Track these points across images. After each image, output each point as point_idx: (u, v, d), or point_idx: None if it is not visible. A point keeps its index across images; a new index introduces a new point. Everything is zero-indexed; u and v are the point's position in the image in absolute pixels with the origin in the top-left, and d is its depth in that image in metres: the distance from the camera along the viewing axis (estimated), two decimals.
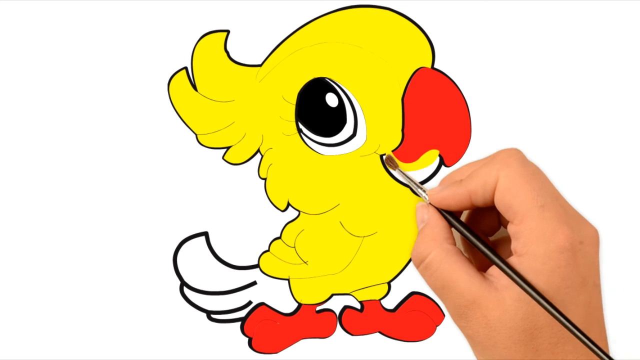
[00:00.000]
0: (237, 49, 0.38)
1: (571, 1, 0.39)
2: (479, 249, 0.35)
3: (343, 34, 0.39)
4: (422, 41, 0.39)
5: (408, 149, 0.39)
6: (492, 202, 0.35)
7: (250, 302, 0.40)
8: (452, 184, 0.36)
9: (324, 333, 0.40)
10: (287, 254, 0.40)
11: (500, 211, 0.34)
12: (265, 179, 0.39)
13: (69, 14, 0.38)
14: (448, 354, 0.40)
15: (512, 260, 0.34)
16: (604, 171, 0.40)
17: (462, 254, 0.35)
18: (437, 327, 0.40)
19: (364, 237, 0.40)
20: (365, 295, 0.40)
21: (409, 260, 0.40)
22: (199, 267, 0.39)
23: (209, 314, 0.40)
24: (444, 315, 0.40)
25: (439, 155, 0.39)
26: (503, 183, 0.34)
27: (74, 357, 0.39)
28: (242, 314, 0.40)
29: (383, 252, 0.40)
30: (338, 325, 0.40)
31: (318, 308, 0.40)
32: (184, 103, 0.39)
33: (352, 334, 0.40)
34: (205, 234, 0.39)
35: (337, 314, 0.40)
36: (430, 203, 0.37)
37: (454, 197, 0.36)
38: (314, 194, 0.39)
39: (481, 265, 0.36)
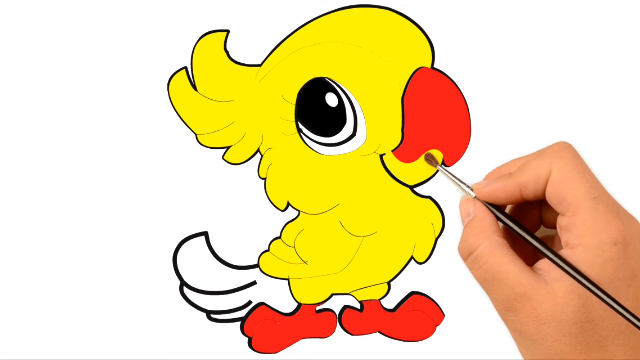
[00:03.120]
0: (237, 49, 0.38)
1: (571, 1, 0.39)
2: (528, 242, 0.35)
3: (343, 34, 0.39)
4: (422, 41, 0.39)
5: (408, 149, 0.39)
6: (544, 195, 0.35)
7: (250, 302, 0.40)
8: (500, 177, 0.36)
9: (324, 333, 0.40)
10: (287, 254, 0.40)
11: (552, 204, 0.34)
12: (265, 179, 0.39)
13: (69, 14, 0.38)
14: (448, 354, 0.40)
15: (564, 253, 0.33)
16: (604, 169, 0.40)
17: (511, 248, 0.35)
18: (437, 327, 0.40)
19: (364, 237, 0.40)
20: (365, 295, 0.40)
21: (409, 260, 0.40)
22: (199, 267, 0.39)
23: (209, 314, 0.40)
24: (444, 315, 0.40)
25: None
26: (556, 175, 0.34)
27: (74, 357, 0.39)
28: (242, 314, 0.40)
29: (383, 252, 0.40)
30: (338, 325, 0.40)
31: (318, 308, 0.40)
32: (184, 103, 0.39)
33: (352, 334, 0.40)
34: (205, 234, 0.39)
35: (337, 314, 0.40)
36: (476, 197, 0.36)
37: (504, 190, 0.35)
38: (314, 194, 0.39)
39: (526, 261, 0.36)
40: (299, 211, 0.39)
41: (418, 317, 0.40)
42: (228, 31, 0.38)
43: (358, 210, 0.39)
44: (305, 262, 0.40)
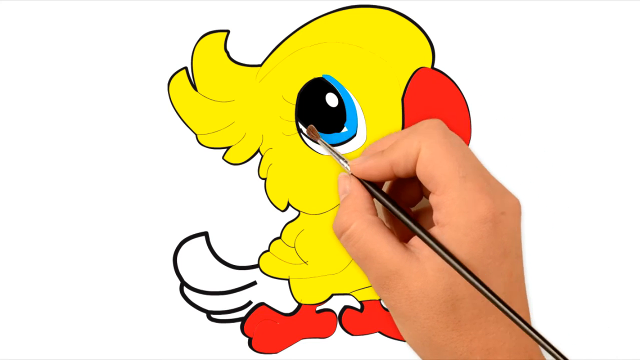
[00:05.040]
0: (237, 49, 0.38)
1: (571, 1, 0.39)
2: (400, 219, 0.34)
3: (343, 34, 0.39)
4: (422, 41, 0.39)
5: None
6: (414, 172, 0.34)
7: (250, 302, 0.40)
8: (374, 154, 0.36)
9: (324, 333, 0.40)
10: (287, 254, 0.40)
11: (422, 182, 0.34)
12: (265, 179, 0.39)
13: (69, 14, 0.38)
14: None
15: (434, 231, 0.33)
16: (604, 169, 0.40)
17: (384, 225, 0.35)
18: None
19: None
20: (365, 295, 0.40)
21: None
22: (199, 267, 0.39)
23: (209, 314, 0.40)
24: None
25: None
26: (425, 154, 0.33)
27: (74, 357, 0.39)
28: (242, 314, 0.40)
29: None
30: (338, 325, 0.40)
31: (318, 308, 0.40)
32: (184, 103, 0.39)
33: (352, 334, 0.40)
34: (205, 234, 0.39)
35: (337, 314, 0.40)
36: (352, 174, 0.36)
37: (376, 168, 0.35)
38: (314, 194, 0.39)
39: (403, 237, 0.36)
40: (299, 211, 0.39)
41: None
42: (228, 31, 0.38)
43: None
44: (305, 262, 0.40)
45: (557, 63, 0.39)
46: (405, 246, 0.34)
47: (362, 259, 0.35)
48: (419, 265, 0.33)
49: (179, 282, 0.39)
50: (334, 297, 0.40)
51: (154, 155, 0.39)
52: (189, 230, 0.39)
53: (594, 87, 0.39)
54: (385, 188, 0.38)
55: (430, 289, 0.33)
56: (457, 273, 0.32)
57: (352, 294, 0.40)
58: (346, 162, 0.37)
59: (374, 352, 0.40)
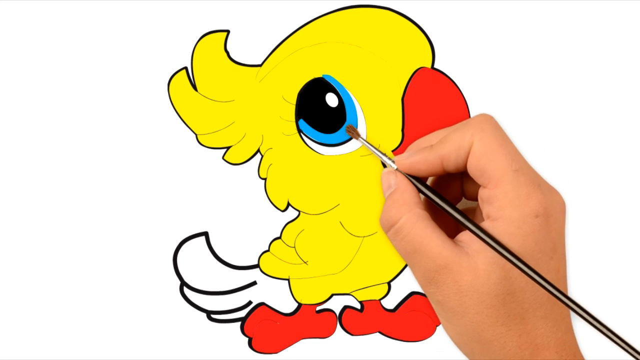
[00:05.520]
0: (237, 49, 0.38)
1: (571, 1, 0.39)
2: (450, 214, 0.34)
3: (343, 34, 0.39)
4: (422, 41, 0.39)
5: None
6: (465, 167, 0.34)
7: (250, 302, 0.40)
8: (422, 149, 0.35)
9: (324, 333, 0.40)
10: (287, 254, 0.40)
11: (473, 176, 0.34)
12: (265, 179, 0.39)
13: (69, 14, 0.38)
14: (448, 354, 0.40)
15: (485, 225, 0.33)
16: (602, 168, 0.40)
17: (432, 220, 0.35)
18: (437, 327, 0.40)
19: (364, 237, 0.40)
20: (365, 295, 0.40)
21: None
22: (199, 267, 0.39)
23: (209, 314, 0.40)
24: None
25: None
26: (478, 147, 0.33)
27: (74, 357, 0.39)
28: (242, 314, 0.40)
29: (383, 252, 0.40)
30: (338, 325, 0.40)
31: (318, 308, 0.40)
32: (184, 103, 0.39)
33: (352, 334, 0.40)
34: (205, 234, 0.39)
35: (337, 314, 0.40)
36: (397, 169, 0.36)
37: (425, 162, 0.35)
38: (314, 194, 0.39)
39: (448, 233, 0.36)
40: (299, 211, 0.39)
41: (418, 317, 0.40)
42: (228, 31, 0.38)
43: (358, 210, 0.39)
44: (305, 262, 0.40)
45: (557, 63, 0.39)
46: (453, 241, 0.34)
47: (410, 253, 0.34)
48: (469, 259, 0.33)
49: (179, 282, 0.39)
50: (334, 297, 0.40)
51: (154, 155, 0.39)
52: (189, 230, 0.39)
53: (594, 86, 0.39)
54: None
55: (481, 284, 0.32)
56: (508, 267, 0.32)
57: (352, 294, 0.40)
58: (390, 158, 0.36)
59: (374, 352, 0.40)
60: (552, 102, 0.39)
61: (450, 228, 0.36)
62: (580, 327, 0.37)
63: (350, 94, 0.39)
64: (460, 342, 0.35)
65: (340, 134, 0.39)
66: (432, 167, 0.35)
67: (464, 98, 0.39)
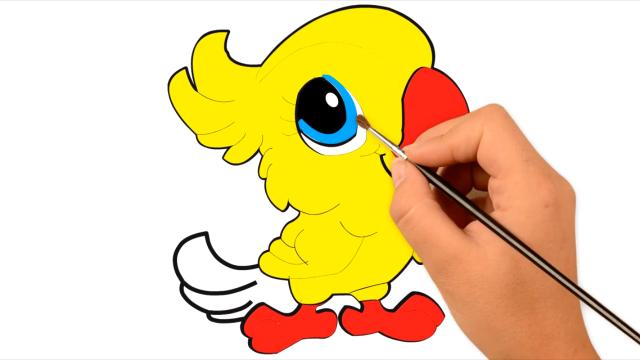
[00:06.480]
0: (237, 49, 0.38)
1: (571, 1, 0.39)
2: (460, 204, 0.34)
3: (343, 34, 0.39)
4: (422, 41, 0.39)
5: None
6: (475, 157, 0.34)
7: (250, 302, 0.40)
8: (432, 139, 0.35)
9: (324, 333, 0.40)
10: (287, 254, 0.40)
11: (483, 166, 0.34)
12: (265, 179, 0.39)
13: (69, 14, 0.38)
14: (448, 354, 0.40)
15: (496, 215, 0.33)
16: (604, 169, 0.40)
17: (442, 210, 0.34)
18: (437, 327, 0.40)
19: (364, 237, 0.40)
20: (365, 295, 0.40)
21: (409, 260, 0.40)
22: (199, 267, 0.39)
23: (209, 314, 0.40)
24: (444, 315, 0.40)
25: None
26: (488, 137, 0.33)
27: (74, 357, 0.39)
28: (242, 314, 0.40)
29: (383, 252, 0.40)
30: (338, 325, 0.40)
31: (318, 308, 0.40)
32: (184, 103, 0.39)
33: (352, 334, 0.40)
34: (205, 234, 0.39)
35: (337, 314, 0.40)
36: (407, 159, 0.36)
37: (435, 152, 0.35)
38: (314, 194, 0.39)
39: (458, 223, 0.35)
40: (299, 211, 0.39)
41: (418, 317, 0.40)
42: (228, 31, 0.38)
43: (358, 210, 0.39)
44: (305, 262, 0.40)
45: (557, 63, 0.39)
46: (463, 231, 0.34)
47: (420, 243, 0.34)
48: (479, 249, 0.33)
49: (179, 282, 0.39)
50: (334, 297, 0.40)
51: (154, 155, 0.39)
52: (189, 230, 0.39)
53: (594, 86, 0.39)
54: None
55: (491, 273, 0.32)
56: (518, 257, 0.32)
57: (352, 294, 0.40)
58: (400, 148, 0.36)
59: (374, 352, 0.40)
60: (552, 101, 0.39)
61: (460, 218, 0.36)
62: (590, 317, 0.37)
63: (350, 94, 0.39)
64: (470, 333, 0.35)
65: (341, 134, 0.39)
66: (442, 157, 0.35)
67: (464, 98, 0.39)
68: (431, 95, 0.39)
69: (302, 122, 0.39)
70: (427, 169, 0.36)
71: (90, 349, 0.39)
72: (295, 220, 0.39)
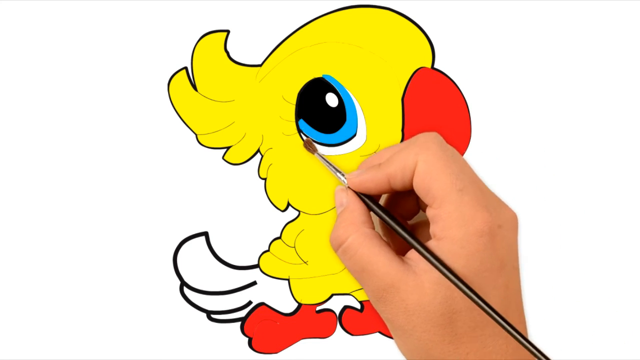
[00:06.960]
0: (237, 49, 0.38)
1: (571, 1, 0.39)
2: (397, 232, 0.34)
3: (343, 34, 0.39)
4: (422, 41, 0.39)
5: None
6: (411, 185, 0.34)
7: (250, 302, 0.40)
8: (370, 167, 0.36)
9: (324, 333, 0.40)
10: (287, 254, 0.40)
11: (419, 195, 0.34)
12: (265, 179, 0.39)
13: (69, 14, 0.38)
14: None
15: (431, 244, 0.33)
16: (604, 168, 0.40)
17: (381, 238, 0.35)
18: None
19: None
20: (365, 296, 0.40)
21: None
22: (199, 267, 0.39)
23: (209, 314, 0.40)
24: None
25: None
26: (422, 167, 0.33)
27: (74, 357, 0.39)
28: (242, 314, 0.40)
29: None
30: (338, 325, 0.40)
31: (318, 308, 0.40)
32: (184, 103, 0.39)
33: (352, 334, 0.40)
34: (205, 234, 0.39)
35: (337, 314, 0.40)
36: (349, 187, 0.36)
37: (373, 181, 0.35)
38: (314, 194, 0.39)
39: (400, 250, 0.36)
40: (299, 211, 0.39)
41: None
42: (228, 31, 0.38)
43: None
44: (305, 262, 0.40)
45: (557, 63, 0.39)
46: (402, 259, 0.34)
47: (359, 272, 0.34)
48: (416, 278, 0.33)
49: (179, 282, 0.39)
50: (334, 297, 0.40)
51: (154, 155, 0.39)
52: (189, 230, 0.39)
53: (594, 86, 0.39)
54: (382, 201, 0.38)
55: (427, 302, 0.33)
56: (454, 286, 0.32)
57: (352, 294, 0.40)
58: (343, 175, 0.37)
59: (374, 352, 0.40)
60: (552, 101, 0.39)
61: (403, 245, 0.36)
62: (535, 340, 0.37)
63: (350, 94, 0.39)
64: (411, 359, 0.35)
65: (341, 134, 0.39)
66: (380, 186, 0.35)
67: (464, 98, 0.39)
68: (431, 95, 0.39)
69: (302, 122, 0.39)
70: (367, 197, 0.36)
71: (90, 349, 0.39)
72: (295, 220, 0.39)
